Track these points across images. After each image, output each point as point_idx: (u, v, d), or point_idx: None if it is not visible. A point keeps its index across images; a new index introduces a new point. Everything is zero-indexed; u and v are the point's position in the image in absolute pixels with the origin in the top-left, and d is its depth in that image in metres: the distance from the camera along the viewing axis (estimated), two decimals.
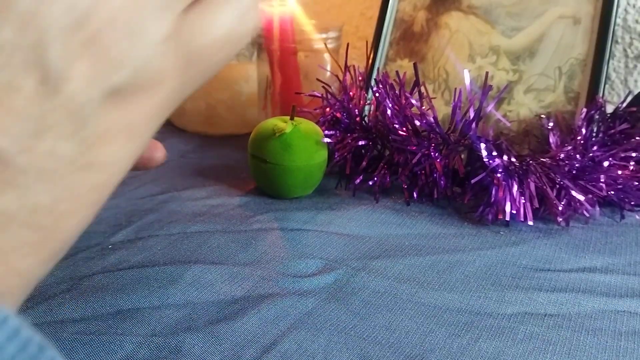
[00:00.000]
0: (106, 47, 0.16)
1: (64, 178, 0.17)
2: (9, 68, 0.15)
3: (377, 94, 0.54)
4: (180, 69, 0.19)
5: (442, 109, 0.59)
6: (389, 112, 0.53)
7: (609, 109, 0.55)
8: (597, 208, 0.50)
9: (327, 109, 0.56)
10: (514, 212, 0.48)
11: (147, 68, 0.17)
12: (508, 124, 0.56)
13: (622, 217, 0.51)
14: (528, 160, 0.50)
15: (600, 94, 0.54)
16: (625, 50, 0.69)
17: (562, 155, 0.49)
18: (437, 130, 0.51)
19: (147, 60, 0.17)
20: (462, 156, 0.52)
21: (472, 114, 0.50)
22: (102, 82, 0.16)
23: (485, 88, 0.50)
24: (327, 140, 0.53)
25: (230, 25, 0.21)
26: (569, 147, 0.50)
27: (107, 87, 0.17)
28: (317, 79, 0.60)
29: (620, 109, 0.54)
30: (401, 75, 0.54)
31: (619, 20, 0.68)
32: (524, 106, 0.57)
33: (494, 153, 0.49)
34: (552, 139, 0.52)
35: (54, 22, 0.15)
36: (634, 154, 0.50)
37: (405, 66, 0.63)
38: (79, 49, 0.15)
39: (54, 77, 0.15)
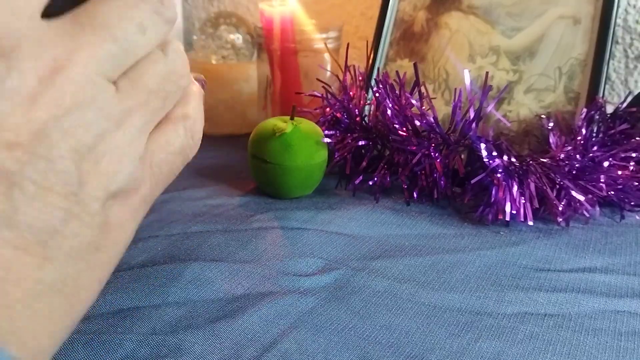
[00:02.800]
0: (107, 165, 0.23)
1: (85, 256, 0.23)
2: (46, 178, 0.21)
3: (377, 94, 0.54)
4: (149, 176, 0.26)
5: (442, 109, 0.59)
6: (389, 112, 0.53)
7: (609, 109, 0.55)
8: (597, 208, 0.50)
9: (327, 109, 0.56)
10: (514, 212, 0.48)
11: (132, 177, 0.24)
12: (508, 124, 0.56)
13: (622, 217, 0.51)
14: (528, 160, 0.50)
15: (600, 94, 0.54)
16: (625, 50, 0.69)
17: (562, 155, 0.49)
18: (437, 130, 0.51)
19: (132, 172, 0.24)
20: (462, 156, 0.52)
21: (472, 114, 0.50)
22: (105, 188, 0.23)
23: (485, 88, 0.50)
24: (327, 140, 0.53)
25: (182, 141, 0.28)
26: (569, 147, 0.50)
27: (109, 191, 0.23)
28: (317, 79, 0.60)
29: (620, 109, 0.54)
30: (401, 75, 0.54)
31: (619, 21, 0.68)
32: (524, 106, 0.57)
33: (494, 153, 0.49)
34: (552, 139, 0.52)
35: (72, 150, 0.22)
36: (634, 154, 0.50)
37: (405, 66, 0.63)
38: (92, 166, 0.22)
39: (75, 183, 0.22)
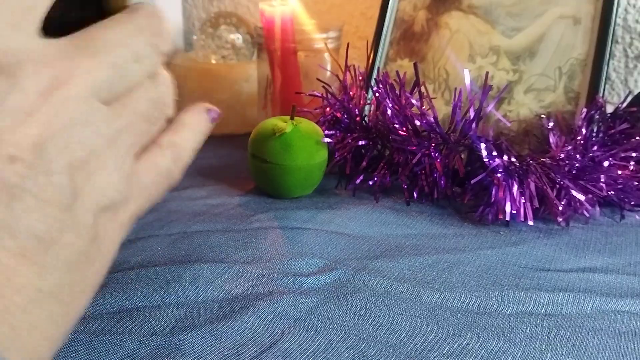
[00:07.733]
0: (99, 180, 0.25)
1: (79, 265, 0.24)
2: (44, 190, 0.22)
3: (377, 94, 0.54)
4: (138, 195, 0.28)
5: (442, 109, 0.59)
6: (389, 112, 0.53)
7: (609, 109, 0.55)
8: (597, 208, 0.50)
9: (327, 109, 0.56)
10: (514, 212, 0.48)
11: (120, 193, 0.26)
12: (508, 124, 0.56)
13: (622, 217, 0.51)
14: (528, 160, 0.50)
15: (600, 94, 0.54)
16: (625, 50, 0.69)
17: (562, 155, 0.49)
18: (437, 130, 0.51)
19: (120, 188, 0.26)
20: (462, 156, 0.52)
21: (472, 114, 0.50)
22: (97, 201, 0.25)
23: (485, 88, 0.50)
24: (327, 140, 0.53)
25: (168, 165, 0.29)
26: (569, 147, 0.50)
27: (100, 205, 0.25)
28: (317, 79, 0.60)
29: (620, 109, 0.54)
30: (401, 75, 0.54)
31: (619, 20, 0.68)
32: (524, 106, 0.57)
33: (494, 153, 0.49)
34: (552, 139, 0.52)
35: (68, 165, 0.23)
36: (634, 154, 0.50)
37: (405, 66, 0.63)
38: (84, 180, 0.24)
39: (70, 196, 0.23)
